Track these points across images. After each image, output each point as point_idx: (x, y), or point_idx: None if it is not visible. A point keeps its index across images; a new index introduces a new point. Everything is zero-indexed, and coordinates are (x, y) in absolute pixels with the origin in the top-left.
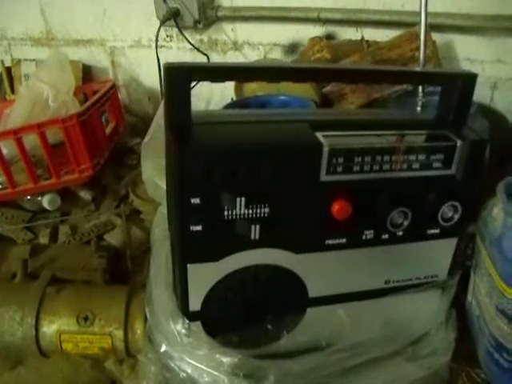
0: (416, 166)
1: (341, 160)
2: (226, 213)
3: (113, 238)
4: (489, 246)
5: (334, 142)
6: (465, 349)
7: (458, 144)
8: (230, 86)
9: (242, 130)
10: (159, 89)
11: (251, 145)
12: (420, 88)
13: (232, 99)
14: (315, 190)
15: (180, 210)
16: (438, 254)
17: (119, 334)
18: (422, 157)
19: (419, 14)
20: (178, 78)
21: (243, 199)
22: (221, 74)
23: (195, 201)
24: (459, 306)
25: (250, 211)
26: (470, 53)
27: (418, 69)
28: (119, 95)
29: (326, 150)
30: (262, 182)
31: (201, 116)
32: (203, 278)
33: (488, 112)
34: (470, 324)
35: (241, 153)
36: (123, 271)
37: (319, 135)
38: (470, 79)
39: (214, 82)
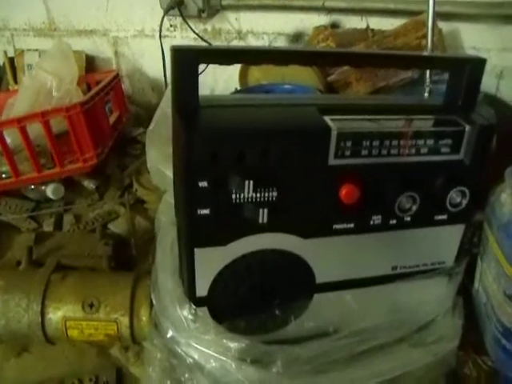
0: (424, 150)
1: (349, 144)
2: (233, 196)
3: (117, 227)
4: (496, 232)
5: (343, 125)
6: (471, 336)
7: (467, 129)
8: (233, 74)
9: (249, 113)
10: (163, 79)
11: (259, 127)
12: (427, 73)
13: (236, 89)
14: (323, 173)
15: (187, 194)
16: (446, 241)
17: (125, 320)
18: (430, 141)
19: (426, 0)
20: (186, 61)
21: (251, 182)
22: (229, 57)
23: (203, 184)
24: (465, 293)
25: (258, 195)
26: (476, 41)
27: (426, 53)
28: (122, 85)
29: (334, 133)
30: (270, 165)
31: (208, 100)
32: (210, 262)
33: (494, 101)
34: (476, 311)
35: (249, 135)
36: (128, 259)
37: (327, 119)
38: (478, 64)
39: (221, 65)
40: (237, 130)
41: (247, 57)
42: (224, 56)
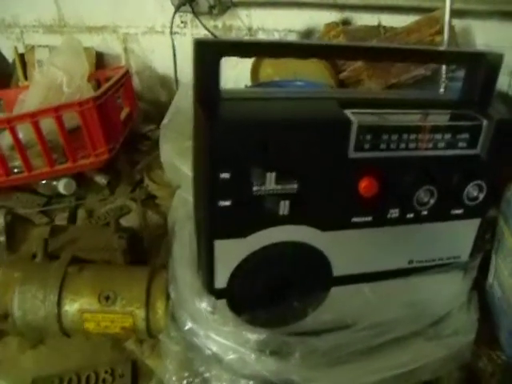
0: (442, 145)
1: (369, 137)
2: (255, 188)
3: (129, 222)
4: None
5: (363, 118)
6: (485, 331)
7: (484, 123)
8: (244, 71)
9: (271, 106)
10: (172, 75)
11: (282, 119)
12: (443, 69)
13: (246, 86)
14: (343, 166)
15: (209, 185)
16: (461, 235)
17: (141, 313)
18: (447, 136)
19: None
20: (208, 53)
21: (273, 174)
22: (251, 50)
23: (224, 176)
24: (478, 288)
25: (280, 187)
26: (488, 38)
27: (442, 48)
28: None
29: (354, 126)
30: (291, 157)
31: (228, 93)
32: (230, 254)
33: (506, 98)
34: (490, 306)
35: (271, 127)
36: (141, 254)
37: (348, 112)
38: (495, 59)
39: (243, 58)
40: (259, 121)
41: (269, 50)
42: (246, 49)
